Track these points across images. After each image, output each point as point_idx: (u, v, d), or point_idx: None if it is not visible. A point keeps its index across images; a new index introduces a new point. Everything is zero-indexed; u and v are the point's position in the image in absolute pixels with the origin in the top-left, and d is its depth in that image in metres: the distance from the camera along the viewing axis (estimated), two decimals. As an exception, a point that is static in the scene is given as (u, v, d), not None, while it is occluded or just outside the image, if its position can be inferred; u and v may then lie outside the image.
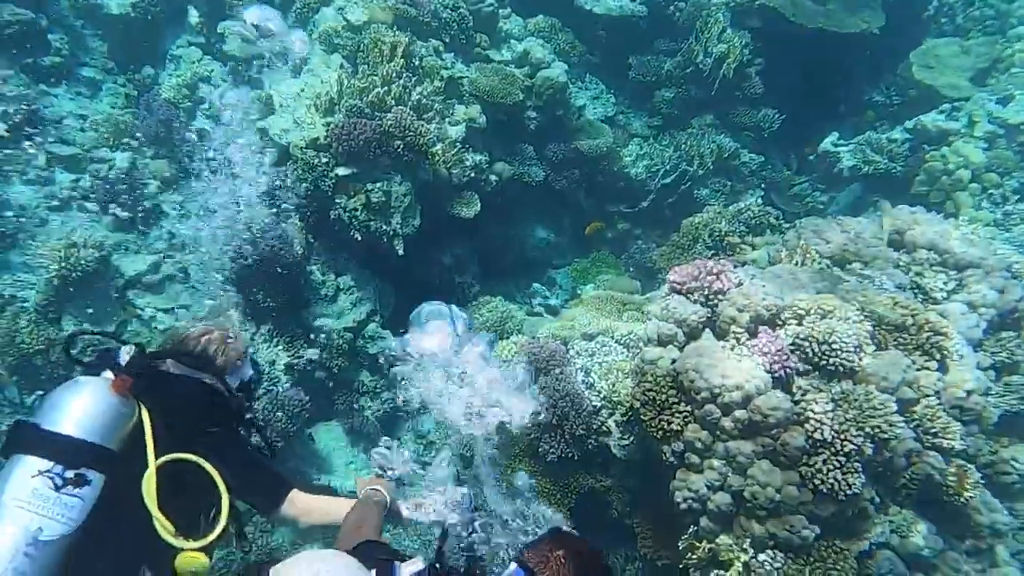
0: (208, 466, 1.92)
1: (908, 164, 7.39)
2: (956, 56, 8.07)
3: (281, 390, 5.60)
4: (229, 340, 2.40)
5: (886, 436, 3.55)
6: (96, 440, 1.83)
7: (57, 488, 1.73)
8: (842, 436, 3.48)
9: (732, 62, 7.92)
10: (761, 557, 3.59)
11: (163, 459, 1.88)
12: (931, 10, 8.78)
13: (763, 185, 8.30)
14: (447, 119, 6.64)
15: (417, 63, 6.44)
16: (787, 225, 5.79)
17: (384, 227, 5.92)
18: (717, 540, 3.72)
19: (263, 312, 5.80)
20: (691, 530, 3.79)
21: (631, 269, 7.69)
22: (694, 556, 3.76)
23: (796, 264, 4.61)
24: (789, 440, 3.54)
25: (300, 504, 2.38)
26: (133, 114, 6.71)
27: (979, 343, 4.41)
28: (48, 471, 1.73)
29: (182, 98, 7.01)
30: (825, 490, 3.52)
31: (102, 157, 6.34)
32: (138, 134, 6.49)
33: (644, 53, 8.82)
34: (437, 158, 6.21)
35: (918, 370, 3.95)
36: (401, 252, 6.03)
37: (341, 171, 5.67)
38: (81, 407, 1.86)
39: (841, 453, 3.49)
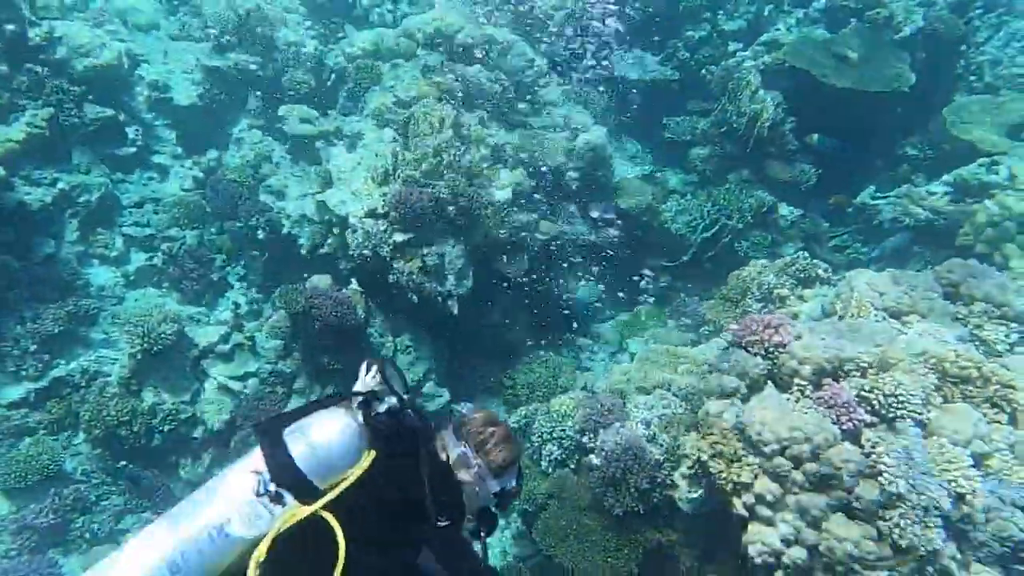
0: (338, 531, 1.76)
1: (949, 216, 7.46)
2: (988, 112, 8.22)
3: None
4: (509, 440, 2.20)
5: (963, 490, 3.54)
6: (310, 474, 1.81)
7: (257, 494, 1.78)
8: (919, 489, 3.49)
9: (765, 121, 8.16)
10: (840, 615, 3.55)
11: (317, 506, 1.77)
12: (959, 68, 9.00)
13: (803, 236, 8.41)
14: (494, 183, 6.94)
15: (465, 132, 6.77)
16: (836, 278, 5.87)
17: (439, 288, 6.13)
18: (794, 597, 3.69)
19: (328, 375, 6.00)
20: (766, 586, 3.77)
21: (678, 321, 7.77)
22: (769, 616, 3.73)
23: (852, 317, 4.67)
24: (864, 494, 3.55)
25: None
26: (201, 195, 7.12)
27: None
28: (260, 475, 1.79)
29: (246, 177, 7.39)
30: (905, 544, 3.50)
31: (172, 236, 6.72)
32: (207, 209, 6.87)
33: (677, 114, 9.14)
34: (487, 221, 6.46)
35: (989, 423, 3.95)
36: (455, 312, 6.22)
37: (399, 237, 5.92)
38: (321, 437, 1.85)
39: (919, 507, 3.48)
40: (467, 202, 6.12)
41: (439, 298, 6.19)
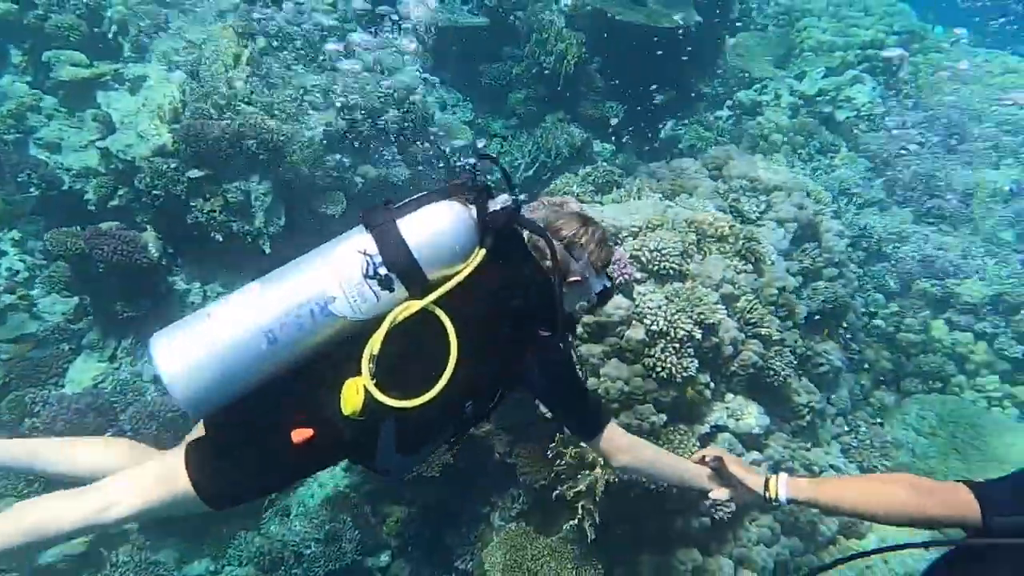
0: (450, 328, 1.72)
1: (733, 136, 8.30)
2: (760, 46, 9.22)
3: (150, 399, 5.42)
4: (607, 239, 2.14)
5: (711, 321, 4.00)
6: (421, 261, 1.74)
7: (366, 275, 1.70)
8: (674, 324, 3.90)
9: (571, 59, 8.62)
10: (621, 448, 3.89)
11: (431, 298, 1.72)
12: (736, 12, 10.02)
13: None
14: (303, 123, 6.81)
15: (265, 71, 6.59)
16: (629, 178, 6.37)
17: (247, 227, 5.94)
18: (581, 443, 4.00)
19: (123, 324, 5.63)
20: (557, 437, 4.05)
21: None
22: (562, 463, 4.01)
23: (633, 199, 5.11)
24: (632, 335, 3.91)
25: (623, 442, 2.04)
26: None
27: (788, 254, 5.06)
28: (370, 256, 1.71)
29: (5, 130, 6.65)
30: (665, 376, 3.91)
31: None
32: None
33: (494, 61, 9.43)
34: (296, 157, 6.34)
35: (738, 272, 4.48)
36: (268, 251, 6.05)
37: (194, 173, 5.67)
38: (435, 225, 1.77)
39: (675, 339, 3.89)
40: (269, 136, 5.96)
41: (249, 238, 5.99)
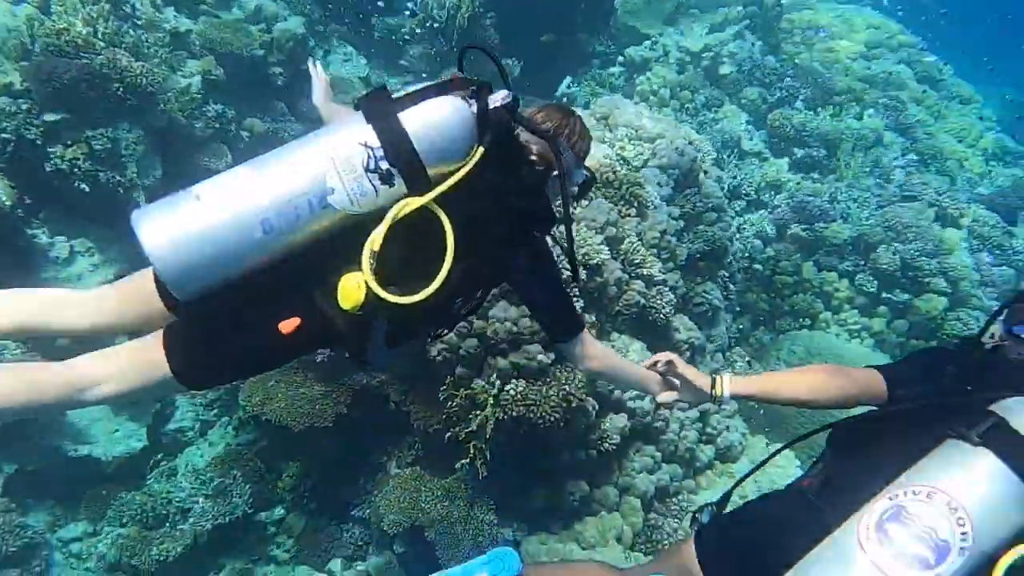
0: (448, 227, 1.71)
1: (625, 92, 8.48)
2: (649, 3, 9.41)
3: (11, 358, 5.03)
4: (584, 132, 2.12)
5: (596, 262, 4.14)
6: (423, 156, 1.69)
7: (366, 169, 1.64)
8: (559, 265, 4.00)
9: (465, 12, 8.48)
10: (507, 387, 4.00)
11: (432, 196, 1.69)
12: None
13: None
14: (178, 71, 6.38)
15: (128, 10, 6.10)
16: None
17: (118, 177, 5.54)
18: (472, 385, 4.07)
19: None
20: (448, 380, 4.10)
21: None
22: (454, 404, 4.07)
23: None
24: (517, 277, 3.99)
25: (593, 348, 2.14)
26: None
27: (670, 199, 5.28)
28: (371, 149, 1.65)
29: None
30: (553, 316, 4.02)
31: None
32: None
33: (388, 14, 9.13)
34: (170, 106, 5.95)
35: (622, 216, 4.64)
36: (144, 203, 5.69)
37: (49, 117, 5.20)
38: (438, 120, 1.72)
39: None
40: (136, 79, 5.53)
41: (121, 189, 5.60)
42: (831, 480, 1.85)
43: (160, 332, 1.82)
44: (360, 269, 1.66)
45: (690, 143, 5.47)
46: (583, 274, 4.09)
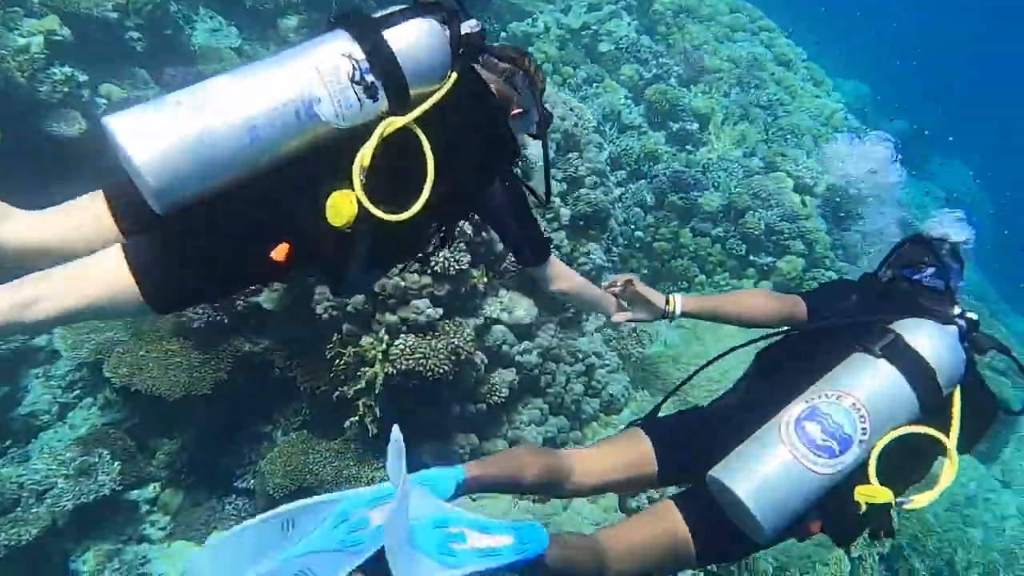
0: (427, 148, 1.70)
1: (509, 67, 8.59)
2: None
3: None
4: (539, 72, 2.11)
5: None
6: (407, 73, 1.69)
7: (351, 80, 1.63)
8: (442, 217, 4.00)
9: (344, -19, 8.24)
10: (396, 342, 3.97)
11: (414, 115, 1.68)
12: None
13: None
14: (14, 30, 5.80)
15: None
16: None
17: (-53, 143, 4.96)
18: (360, 342, 4.00)
19: None
20: (335, 338, 4.00)
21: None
22: (342, 362, 3.99)
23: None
24: (401, 231, 3.96)
25: (562, 270, 2.23)
26: None
27: (553, 163, 5.41)
28: (357, 61, 1.63)
29: None
30: (439, 270, 4.03)
31: None
32: None
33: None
34: (5, 64, 5.40)
35: (505, 175, 4.70)
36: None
37: None
38: (420, 39, 1.72)
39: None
40: (-34, 33, 4.97)
41: (-48, 156, 5.01)
42: (753, 395, 2.11)
43: (116, 248, 1.67)
44: (346, 188, 1.66)
45: (571, 110, 5.63)
46: (469, 230, 4.11)
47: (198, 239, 1.69)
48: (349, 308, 3.98)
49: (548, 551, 1.57)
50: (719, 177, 7.65)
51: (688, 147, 8.11)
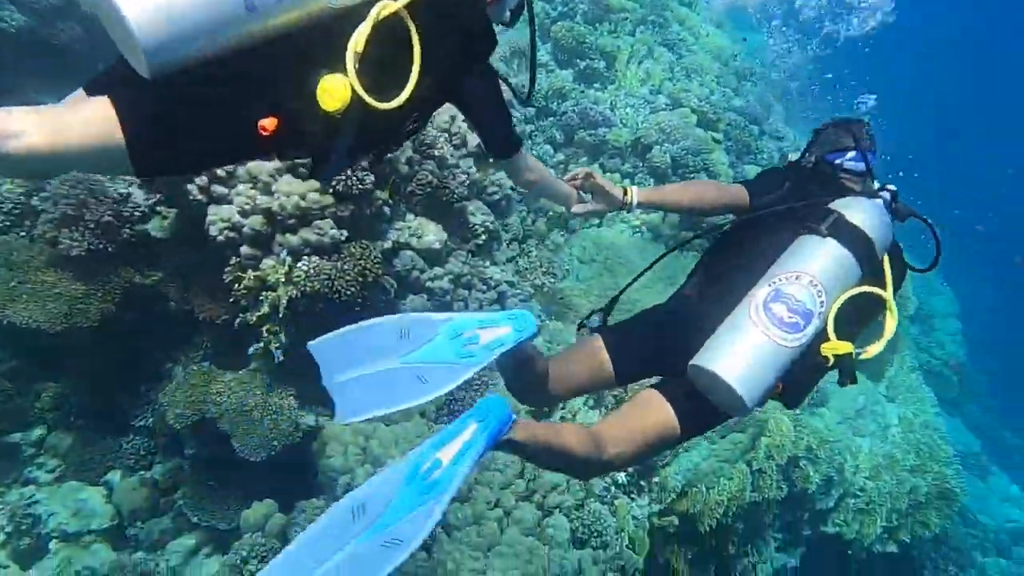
0: (415, 36, 1.69)
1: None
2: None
3: None
4: None
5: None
6: None
7: None
8: (344, 134, 3.86)
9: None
10: (300, 264, 3.83)
11: (400, 4, 1.65)
12: None
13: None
14: None
15: None
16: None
17: None
18: (261, 265, 3.84)
19: None
20: (234, 261, 3.82)
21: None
22: (242, 287, 3.82)
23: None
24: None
25: (531, 162, 2.28)
26: None
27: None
28: None
29: None
30: (342, 190, 3.89)
31: None
32: None
33: None
34: None
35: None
36: None
37: None
38: None
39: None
40: None
41: None
42: (711, 283, 2.23)
43: (104, 98, 1.57)
44: (338, 73, 1.64)
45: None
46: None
47: (187, 104, 1.66)
48: (246, 230, 3.79)
49: (545, 434, 1.78)
50: (626, 114, 7.76)
51: (596, 85, 8.16)
